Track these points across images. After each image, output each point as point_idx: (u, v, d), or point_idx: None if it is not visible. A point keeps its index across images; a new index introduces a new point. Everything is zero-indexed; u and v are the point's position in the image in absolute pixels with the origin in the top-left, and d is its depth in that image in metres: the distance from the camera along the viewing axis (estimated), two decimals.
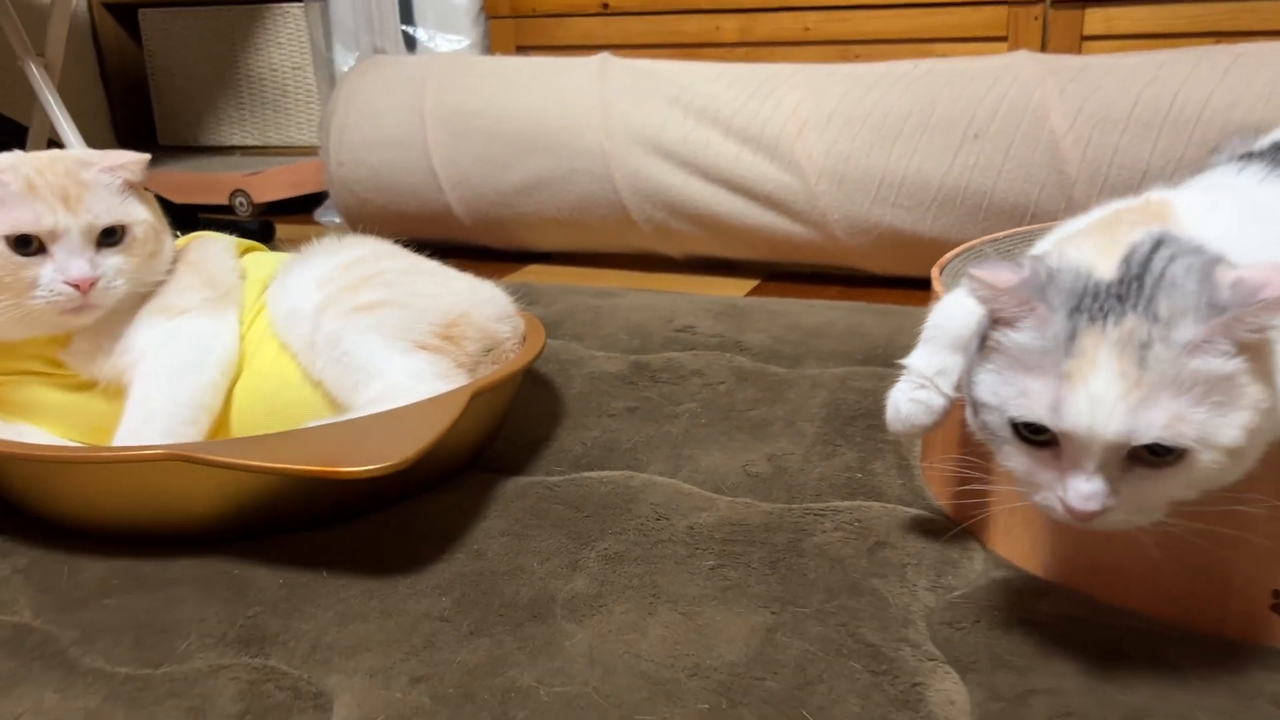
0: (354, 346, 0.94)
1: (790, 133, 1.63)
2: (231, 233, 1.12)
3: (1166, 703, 0.64)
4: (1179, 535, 0.67)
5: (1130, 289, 0.58)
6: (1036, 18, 1.88)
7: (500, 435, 1.04)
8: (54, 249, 0.90)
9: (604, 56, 1.83)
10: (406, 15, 2.26)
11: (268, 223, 2.14)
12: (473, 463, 0.99)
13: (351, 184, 1.92)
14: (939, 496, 0.91)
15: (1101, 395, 0.56)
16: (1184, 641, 0.70)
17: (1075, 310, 0.58)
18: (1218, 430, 0.57)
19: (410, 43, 2.27)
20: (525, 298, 1.08)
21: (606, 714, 0.63)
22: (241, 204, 2.31)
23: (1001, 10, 1.89)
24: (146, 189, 1.00)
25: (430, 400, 0.87)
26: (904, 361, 0.80)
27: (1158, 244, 0.61)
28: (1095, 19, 1.84)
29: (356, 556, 0.82)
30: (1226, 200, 0.72)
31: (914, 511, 0.88)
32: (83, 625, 0.75)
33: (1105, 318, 0.57)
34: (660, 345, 1.29)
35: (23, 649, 0.72)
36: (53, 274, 0.90)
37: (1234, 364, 0.56)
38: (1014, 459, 0.62)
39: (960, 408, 0.77)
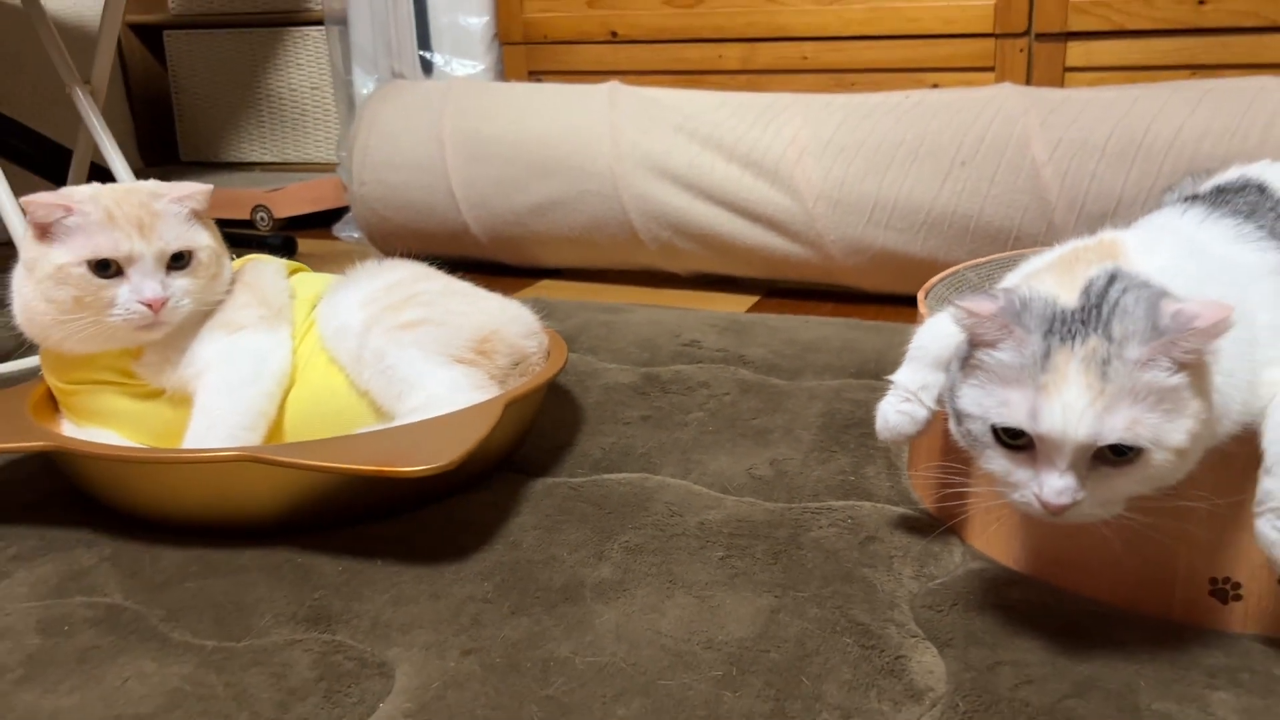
0: (397, 360, 1.04)
1: (790, 158, 1.74)
2: (255, 248, 1.22)
3: (1114, 672, 0.74)
4: (1135, 529, 0.78)
5: (1090, 315, 0.69)
6: (1022, 50, 1.98)
7: (528, 440, 1.15)
8: (130, 272, 1.01)
9: (614, 85, 1.94)
10: (424, 40, 2.37)
11: (290, 238, 2.24)
12: (504, 465, 1.09)
13: (373, 202, 2.03)
14: (924, 499, 1.01)
15: (1072, 404, 0.67)
16: (1134, 623, 0.80)
17: (1048, 332, 0.69)
18: (1168, 433, 0.67)
19: (427, 67, 2.37)
20: (541, 312, 1.18)
21: (634, 680, 0.74)
22: (263, 219, 2.41)
23: (989, 42, 2.00)
24: (210, 220, 1.10)
25: (471, 409, 0.97)
26: (892, 377, 0.91)
27: (1112, 278, 0.71)
28: (1076, 52, 1.95)
29: (406, 547, 0.92)
30: (1169, 239, 0.82)
31: (901, 510, 0.98)
32: (168, 605, 0.85)
33: (1073, 338, 0.68)
34: (669, 359, 1.39)
35: (118, 625, 0.82)
36: (128, 295, 1.00)
37: (1177, 379, 0.67)
38: (995, 462, 0.73)
39: (941, 418, 0.87)
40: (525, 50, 2.34)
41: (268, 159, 2.82)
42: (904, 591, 0.85)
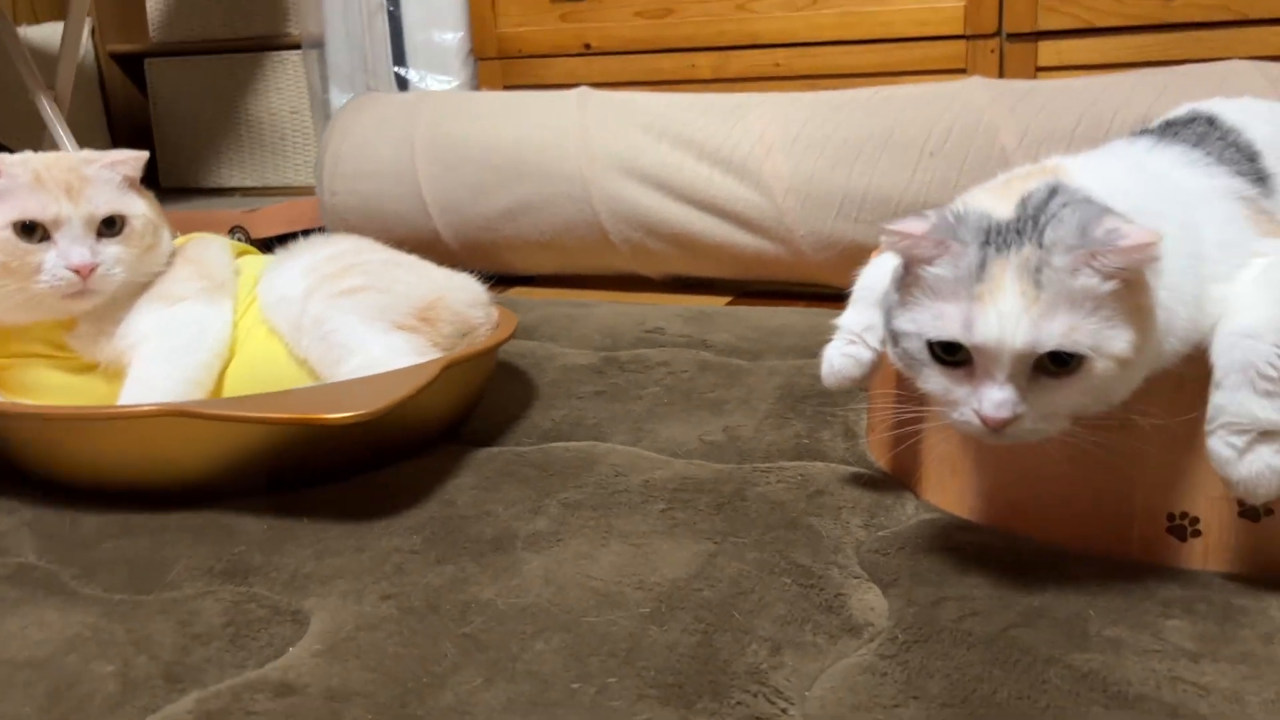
0: (336, 326, 1.01)
1: (758, 155, 1.72)
2: None
3: (1063, 603, 0.70)
4: (1087, 466, 0.74)
5: (1026, 225, 0.66)
6: (993, 51, 1.98)
7: (474, 414, 1.11)
8: (57, 237, 0.98)
9: (584, 89, 1.93)
10: (399, 58, 2.37)
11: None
12: (449, 436, 1.06)
13: (344, 212, 2.01)
14: (880, 460, 0.98)
15: (1007, 312, 0.64)
16: (1088, 561, 0.76)
17: (984, 244, 0.66)
18: (1108, 340, 0.64)
19: (403, 84, 2.37)
20: (504, 305, 1.16)
21: (557, 618, 0.70)
22: (239, 239, 2.40)
23: (961, 44, 2.00)
24: (145, 188, 1.08)
25: (406, 369, 0.94)
26: (836, 321, 0.88)
27: (1052, 191, 0.69)
28: (1048, 51, 1.94)
29: (337, 509, 0.89)
30: (1116, 161, 0.80)
31: (856, 470, 0.95)
32: (82, 564, 0.81)
33: (1008, 248, 0.65)
34: (630, 344, 1.36)
35: (26, 581, 0.78)
36: (55, 260, 0.98)
37: (1109, 285, 0.64)
38: (932, 380, 0.69)
39: (888, 360, 0.84)
40: (500, 65, 2.33)
41: (248, 184, 2.81)
42: (850, 539, 0.81)
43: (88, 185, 1.00)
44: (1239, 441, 0.68)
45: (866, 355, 0.85)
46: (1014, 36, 1.96)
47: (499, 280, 1.94)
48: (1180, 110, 0.91)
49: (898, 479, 0.93)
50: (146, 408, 0.88)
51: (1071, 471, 0.79)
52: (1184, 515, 0.76)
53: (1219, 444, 0.69)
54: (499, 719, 0.60)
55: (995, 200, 0.70)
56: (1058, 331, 0.64)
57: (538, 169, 1.85)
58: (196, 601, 0.75)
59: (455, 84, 2.34)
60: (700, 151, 1.76)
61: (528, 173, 1.86)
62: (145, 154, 1.06)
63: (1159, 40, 1.87)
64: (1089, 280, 0.64)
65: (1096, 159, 0.80)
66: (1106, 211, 0.67)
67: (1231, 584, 0.72)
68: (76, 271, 0.98)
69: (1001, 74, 1.98)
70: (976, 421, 0.67)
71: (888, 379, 0.91)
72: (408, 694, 0.63)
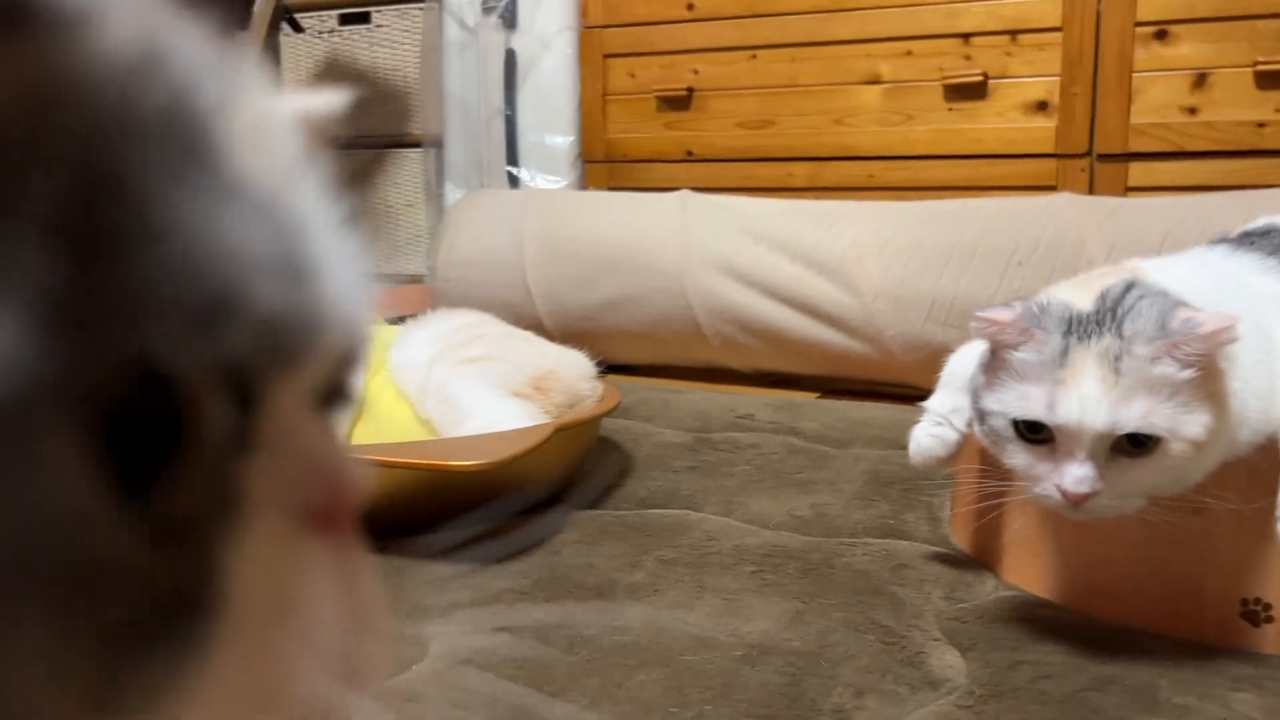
0: (458, 390, 1.11)
1: (850, 258, 1.80)
2: None
3: (1134, 672, 0.74)
4: (1161, 536, 0.79)
5: (1105, 317, 0.73)
6: (1084, 170, 2.05)
7: (578, 480, 1.19)
8: None
9: (686, 192, 2.05)
10: (512, 158, 2.53)
11: None
12: (553, 500, 1.13)
13: (454, 299, 2.13)
14: (962, 542, 1.02)
15: (1089, 394, 0.70)
16: (1162, 639, 0.80)
17: (1066, 333, 0.73)
18: (1184, 424, 0.70)
19: (514, 182, 2.52)
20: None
21: (656, 655, 0.76)
22: None
23: (1051, 163, 2.07)
24: None
25: (522, 428, 1.03)
26: (925, 404, 0.94)
27: (1129, 286, 0.75)
28: (1138, 171, 2.01)
29: (454, 553, 0.97)
30: (1192, 264, 0.86)
31: (938, 549, 1.00)
32: None
33: (1089, 337, 0.72)
34: (721, 427, 1.43)
35: None
36: None
37: (1187, 374, 0.70)
38: (1017, 456, 0.75)
39: (974, 441, 0.90)
40: (606, 168, 2.47)
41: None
42: (931, 608, 0.86)
43: None
44: None
45: (952, 436, 0.91)
46: (1104, 157, 2.02)
47: (602, 367, 2.03)
48: (1258, 223, 0.97)
49: (979, 559, 0.98)
50: None
51: (1148, 555, 0.83)
52: (1257, 601, 0.80)
53: None
54: None
55: (1076, 293, 0.77)
56: (1135, 415, 0.69)
57: (638, 264, 1.95)
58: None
59: (564, 184, 2.48)
60: (794, 254, 1.85)
61: (628, 267, 1.96)
62: None
63: (1250, 165, 1.92)
64: (1168, 368, 0.70)
65: (1173, 262, 0.87)
66: (1180, 304, 0.73)
67: None
68: None
69: (1091, 192, 2.04)
70: (1057, 495, 0.72)
71: (972, 459, 0.97)
72: (519, 711, 0.69)
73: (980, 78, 2.10)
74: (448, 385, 1.12)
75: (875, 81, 2.19)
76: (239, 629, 0.16)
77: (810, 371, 1.89)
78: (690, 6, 2.34)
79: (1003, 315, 0.75)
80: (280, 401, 0.17)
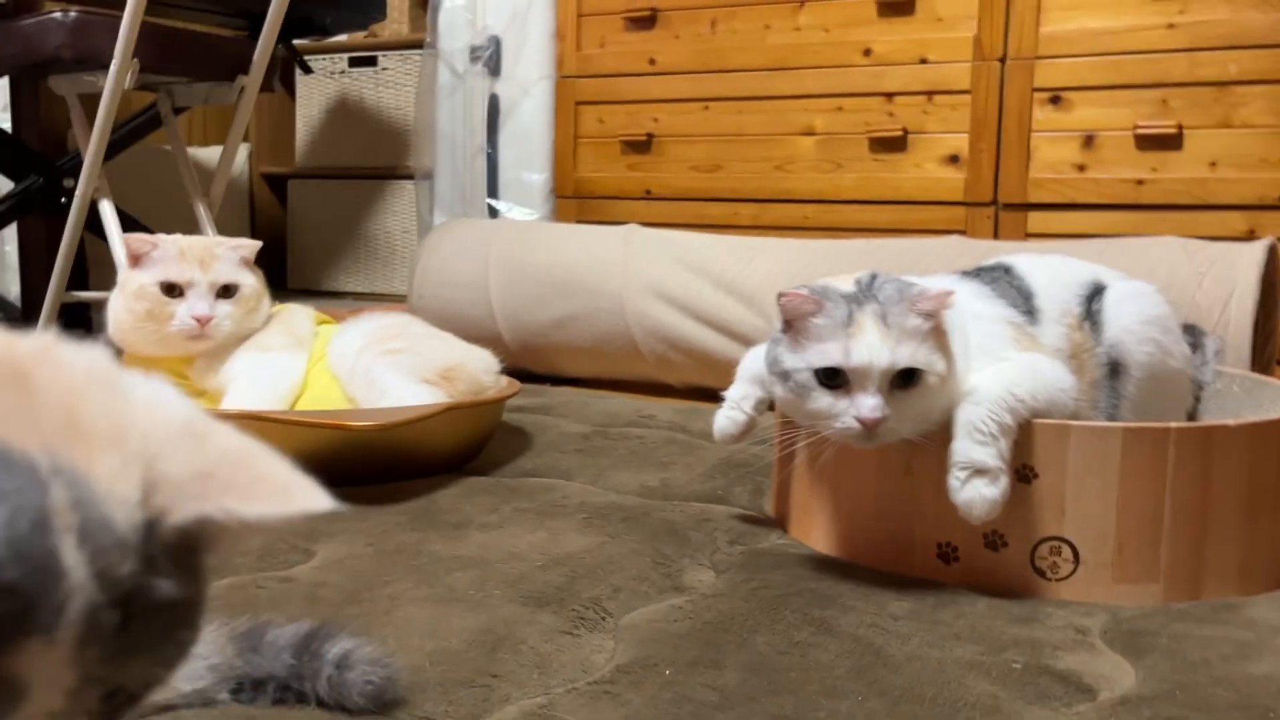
0: (378, 375, 1.37)
1: (765, 288, 2.05)
2: None
3: (831, 584, 0.98)
4: (886, 495, 1.02)
5: (866, 292, 0.98)
6: (989, 217, 2.28)
7: (477, 457, 1.44)
8: (188, 294, 1.37)
9: (632, 226, 2.31)
10: (493, 191, 2.80)
11: None
12: (451, 468, 1.38)
13: (427, 315, 2.39)
14: (770, 510, 1.26)
15: (873, 343, 0.94)
16: (872, 570, 1.04)
17: (848, 302, 0.97)
18: (934, 362, 0.96)
19: (494, 213, 2.80)
20: (541, 396, 1.49)
21: (475, 563, 1.01)
22: None
23: (961, 210, 2.31)
24: (256, 268, 1.47)
25: (417, 405, 1.28)
26: (724, 393, 1.18)
27: (874, 275, 1.01)
28: (1036, 220, 2.24)
29: (356, 498, 1.21)
30: (924, 281, 1.11)
31: (748, 512, 1.24)
32: None
33: (861, 305, 0.96)
34: (623, 424, 1.68)
35: None
36: (185, 311, 1.36)
37: (929, 324, 0.95)
38: (819, 400, 0.98)
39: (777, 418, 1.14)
40: (576, 203, 2.74)
41: (360, 289, 3.27)
42: (711, 546, 1.10)
43: (215, 261, 1.39)
44: (962, 475, 0.96)
45: (742, 418, 1.16)
46: (1008, 206, 2.26)
47: (552, 380, 2.29)
48: (989, 261, 1.21)
49: (777, 521, 1.22)
50: (229, 410, 1.24)
51: (877, 508, 1.07)
52: (948, 544, 1.03)
53: (950, 477, 0.97)
54: (421, 608, 0.90)
55: (838, 282, 1.02)
56: (906, 354, 0.94)
57: (585, 286, 2.21)
58: None
59: (537, 216, 2.75)
60: (717, 281, 2.10)
61: (577, 290, 2.22)
62: (258, 243, 1.45)
63: (1131, 218, 2.15)
64: (916, 320, 0.95)
65: (918, 280, 1.11)
66: (910, 283, 0.98)
67: (970, 594, 0.99)
68: (198, 320, 1.36)
69: (996, 237, 2.28)
70: (856, 426, 0.96)
71: (780, 445, 1.21)
72: (361, 588, 0.94)
73: (901, 132, 2.35)
74: (370, 370, 1.37)
75: (810, 133, 2.45)
76: None
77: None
78: (652, 61, 2.61)
79: (800, 292, 1.00)
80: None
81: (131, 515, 0.33)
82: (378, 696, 0.72)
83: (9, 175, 2.31)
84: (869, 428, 0.95)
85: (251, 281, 1.43)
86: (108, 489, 0.32)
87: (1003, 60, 2.23)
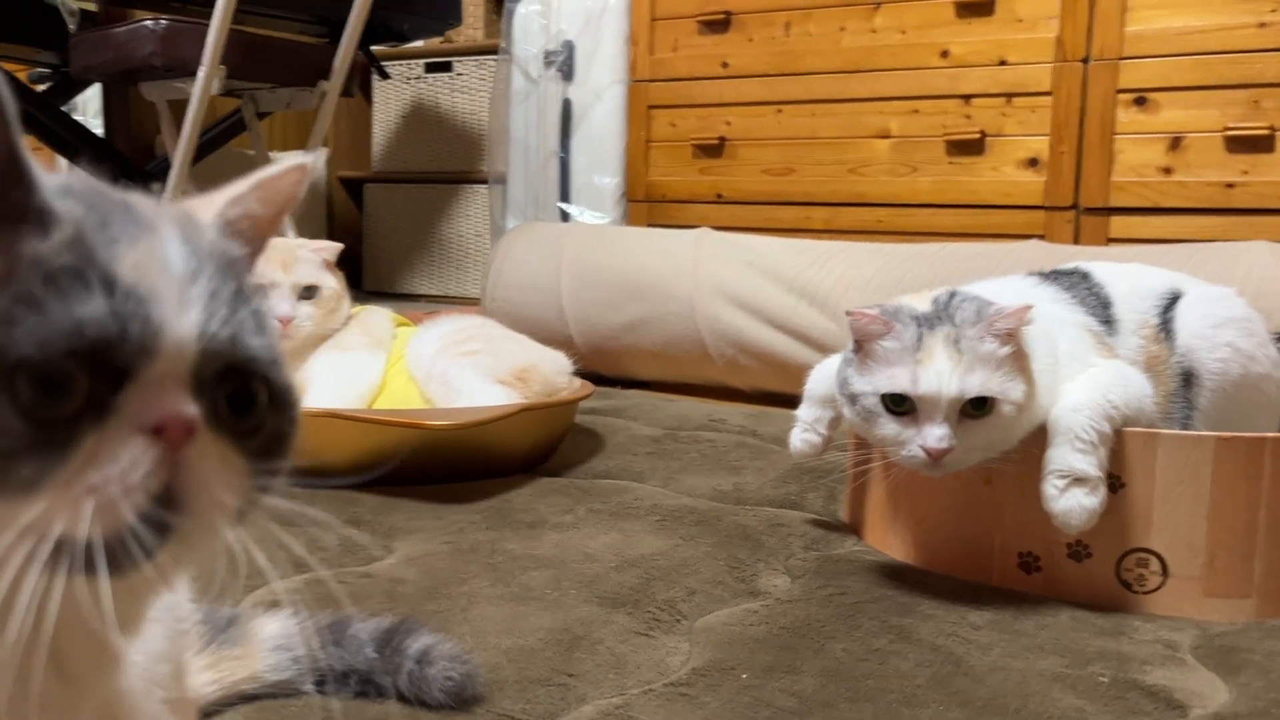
0: (454, 375, 1.38)
1: (838, 291, 2.03)
2: None
3: (909, 594, 0.96)
4: (964, 503, 1.01)
5: (941, 313, 0.95)
6: (1069, 221, 2.24)
7: (552, 458, 1.45)
8: (271, 295, 1.39)
9: (703, 229, 2.30)
10: (565, 195, 2.82)
11: None
12: (527, 469, 1.39)
13: (500, 317, 2.41)
14: (845, 516, 1.25)
15: (942, 369, 0.92)
16: (948, 579, 1.02)
17: (918, 325, 0.95)
18: (1010, 390, 0.93)
19: (565, 217, 2.81)
20: (608, 399, 1.50)
21: (550, 562, 1.01)
22: None
23: (1040, 214, 2.27)
24: (337, 270, 1.49)
25: (493, 406, 1.29)
26: (795, 413, 1.18)
27: (952, 293, 0.99)
28: (1118, 224, 2.19)
29: (431, 496, 1.23)
30: (1001, 286, 1.09)
31: (822, 518, 1.22)
32: None
33: (934, 327, 0.95)
34: (693, 427, 1.68)
35: None
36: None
37: (1005, 350, 0.93)
38: (886, 427, 0.97)
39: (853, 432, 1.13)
40: (647, 207, 2.75)
41: (434, 292, 3.31)
42: (786, 552, 1.09)
43: (297, 263, 1.42)
44: (1060, 484, 0.94)
45: (817, 439, 1.15)
46: (1089, 210, 2.21)
47: (622, 383, 2.29)
48: (1067, 265, 1.18)
49: (852, 527, 1.20)
50: (311, 409, 1.26)
51: (954, 517, 1.05)
52: (1029, 553, 1.01)
53: (1048, 486, 0.94)
54: (498, 606, 0.91)
55: (914, 300, 1.00)
56: (977, 382, 0.92)
57: (655, 290, 2.21)
58: (323, 532, 1.10)
59: (608, 220, 2.76)
60: (790, 286, 2.08)
61: (646, 293, 2.22)
62: (340, 245, 1.48)
63: (1220, 222, 2.09)
64: (991, 345, 0.92)
65: (989, 284, 1.09)
66: (989, 302, 0.96)
67: (1050, 605, 0.97)
68: (280, 321, 1.38)
69: (1076, 242, 2.23)
70: (921, 454, 0.94)
71: (854, 462, 1.20)
72: (439, 585, 0.95)
73: (978, 135, 2.31)
74: (446, 371, 1.39)
75: (885, 136, 2.43)
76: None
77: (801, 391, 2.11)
78: (725, 65, 2.61)
79: (869, 310, 0.98)
80: (143, 378, 0.34)
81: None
82: (457, 693, 0.72)
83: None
84: (935, 458, 0.93)
85: (332, 283, 1.46)
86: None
87: (1086, 61, 2.18)
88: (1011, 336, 0.93)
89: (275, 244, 1.41)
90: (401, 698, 0.73)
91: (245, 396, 0.38)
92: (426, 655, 0.73)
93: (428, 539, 1.09)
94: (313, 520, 0.41)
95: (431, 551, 1.05)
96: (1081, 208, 2.22)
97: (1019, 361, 0.94)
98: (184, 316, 0.35)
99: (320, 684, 0.74)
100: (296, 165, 0.42)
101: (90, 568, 0.33)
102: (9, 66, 2.51)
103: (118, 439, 0.33)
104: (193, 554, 0.37)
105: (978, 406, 0.92)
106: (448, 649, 0.74)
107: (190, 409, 0.35)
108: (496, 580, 0.97)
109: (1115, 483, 0.97)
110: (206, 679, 0.69)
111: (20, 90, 2.58)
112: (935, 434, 0.92)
